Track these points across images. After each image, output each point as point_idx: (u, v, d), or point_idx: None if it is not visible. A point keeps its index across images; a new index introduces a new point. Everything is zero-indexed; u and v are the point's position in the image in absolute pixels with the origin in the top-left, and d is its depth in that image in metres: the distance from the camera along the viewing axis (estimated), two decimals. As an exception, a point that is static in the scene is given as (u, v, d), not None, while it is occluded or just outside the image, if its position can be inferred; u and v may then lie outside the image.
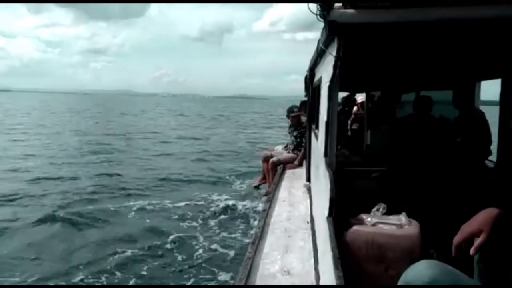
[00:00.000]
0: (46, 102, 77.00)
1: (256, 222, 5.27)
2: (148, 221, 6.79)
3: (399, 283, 1.41)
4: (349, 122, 8.69)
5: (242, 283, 2.45)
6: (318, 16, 2.12)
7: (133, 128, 25.37)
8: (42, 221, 6.61)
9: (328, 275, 1.89)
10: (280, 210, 4.05)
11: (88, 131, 22.23)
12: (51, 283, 4.62)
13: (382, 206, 2.40)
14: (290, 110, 7.38)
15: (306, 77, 5.08)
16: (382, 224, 2.29)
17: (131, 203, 7.71)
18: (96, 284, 4.63)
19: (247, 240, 5.60)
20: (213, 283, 4.66)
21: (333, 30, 2.04)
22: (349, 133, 8.56)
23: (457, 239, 1.39)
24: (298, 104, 7.76)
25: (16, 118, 30.95)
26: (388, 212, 2.39)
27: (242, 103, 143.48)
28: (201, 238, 5.94)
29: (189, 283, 4.66)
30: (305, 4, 2.11)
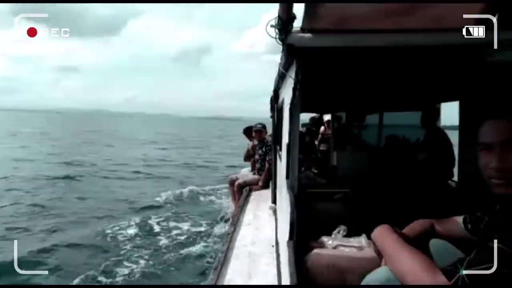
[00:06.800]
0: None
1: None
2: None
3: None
4: (316, 142, 8.71)
5: None
6: (277, 40, 2.12)
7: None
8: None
9: None
10: (244, 234, 3.91)
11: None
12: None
13: (342, 228, 2.38)
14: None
15: (271, 98, 5.04)
16: (342, 247, 2.26)
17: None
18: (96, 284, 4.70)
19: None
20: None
21: (291, 54, 2.04)
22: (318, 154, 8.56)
23: None
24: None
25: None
26: (350, 234, 2.35)
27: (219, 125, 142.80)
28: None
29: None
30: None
